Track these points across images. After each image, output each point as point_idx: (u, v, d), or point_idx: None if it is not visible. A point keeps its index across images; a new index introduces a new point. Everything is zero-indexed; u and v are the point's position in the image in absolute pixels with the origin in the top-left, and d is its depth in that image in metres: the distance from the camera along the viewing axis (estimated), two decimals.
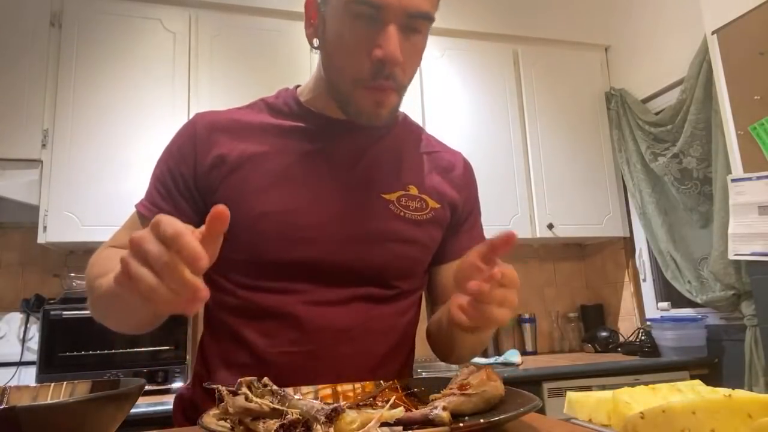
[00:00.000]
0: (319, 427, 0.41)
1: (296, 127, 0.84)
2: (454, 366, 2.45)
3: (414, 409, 0.52)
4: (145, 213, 0.80)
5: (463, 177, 0.92)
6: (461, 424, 0.47)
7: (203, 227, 0.49)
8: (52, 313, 1.87)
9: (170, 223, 0.47)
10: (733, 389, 0.56)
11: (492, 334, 0.91)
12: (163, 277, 0.46)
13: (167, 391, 1.87)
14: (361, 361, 0.79)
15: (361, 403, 0.57)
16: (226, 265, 0.77)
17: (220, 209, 0.47)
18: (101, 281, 0.69)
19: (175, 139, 0.84)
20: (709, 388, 0.63)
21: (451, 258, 0.88)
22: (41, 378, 1.82)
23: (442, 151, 0.93)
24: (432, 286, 0.92)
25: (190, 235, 0.46)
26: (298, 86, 0.91)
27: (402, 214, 0.82)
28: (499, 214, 2.50)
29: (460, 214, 0.90)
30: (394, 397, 0.60)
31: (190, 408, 0.85)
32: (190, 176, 0.80)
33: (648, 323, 2.48)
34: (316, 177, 0.80)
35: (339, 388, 0.65)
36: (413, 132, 0.93)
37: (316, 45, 0.81)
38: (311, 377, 0.73)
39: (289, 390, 0.52)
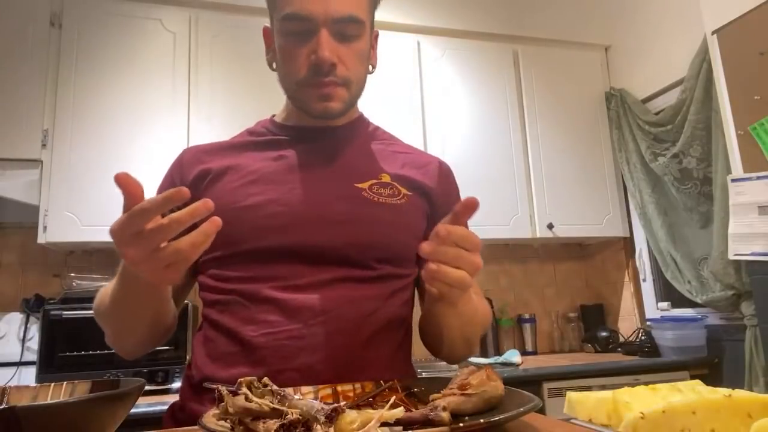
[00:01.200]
0: (319, 427, 0.41)
1: (272, 140, 0.92)
2: (454, 366, 2.45)
3: (414, 409, 0.52)
4: None
5: (439, 171, 0.95)
6: (461, 424, 0.47)
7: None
8: (52, 313, 1.87)
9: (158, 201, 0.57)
10: (733, 389, 0.56)
11: (486, 328, 0.89)
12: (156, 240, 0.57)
13: (167, 391, 1.87)
14: (345, 340, 0.79)
15: (361, 403, 0.57)
16: (207, 264, 0.85)
17: (206, 202, 0.57)
18: (105, 299, 0.81)
19: (167, 172, 0.96)
20: (709, 388, 0.63)
21: None
22: (41, 378, 1.82)
23: (416, 153, 0.98)
24: (420, 282, 0.94)
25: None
26: (275, 115, 1.00)
27: (375, 199, 0.86)
28: (499, 214, 2.50)
29: (438, 206, 0.91)
30: (394, 397, 0.60)
31: (178, 410, 0.87)
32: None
33: (648, 323, 2.48)
34: (291, 174, 0.87)
35: (339, 388, 0.65)
36: (386, 138, 0.99)
37: (274, 67, 0.92)
38: (299, 356, 0.76)
39: (289, 390, 0.52)
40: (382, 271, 0.85)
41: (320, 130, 0.91)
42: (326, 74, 0.81)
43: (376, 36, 0.95)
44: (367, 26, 0.86)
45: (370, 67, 0.93)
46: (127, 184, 0.59)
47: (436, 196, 0.92)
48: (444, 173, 0.97)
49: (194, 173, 0.90)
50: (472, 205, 0.63)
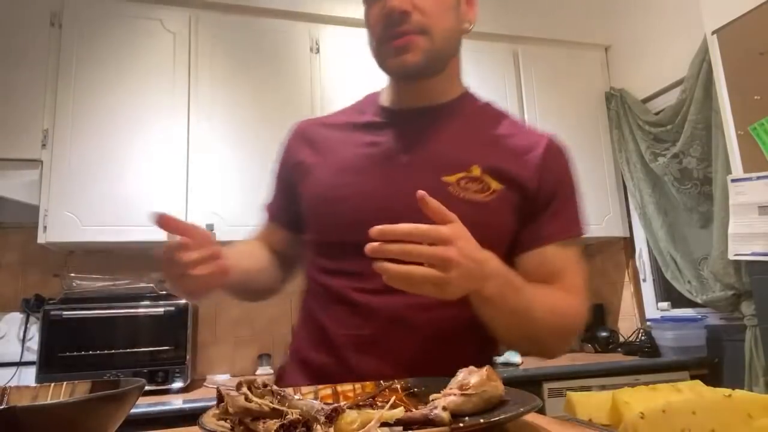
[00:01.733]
0: (319, 427, 0.41)
1: (370, 122, 0.90)
2: None
3: (414, 409, 0.52)
4: (263, 214, 1.02)
5: (543, 158, 0.84)
6: (461, 424, 0.47)
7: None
8: (52, 313, 1.87)
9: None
10: (733, 389, 0.56)
11: (564, 326, 0.79)
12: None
13: (167, 391, 1.87)
14: (419, 347, 0.78)
15: (361, 403, 0.57)
16: (306, 247, 0.92)
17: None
18: None
19: (282, 150, 1.00)
20: (709, 388, 0.63)
21: (530, 246, 0.82)
22: (41, 378, 1.82)
23: (521, 134, 0.87)
24: None
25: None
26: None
27: (461, 195, 0.80)
28: None
29: (537, 197, 0.82)
30: (394, 397, 0.60)
31: (279, 382, 0.92)
32: (284, 174, 0.98)
33: (648, 323, 2.48)
34: (379, 164, 0.84)
35: (339, 388, 0.65)
36: (492, 117, 0.90)
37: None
38: (373, 360, 0.78)
39: (289, 390, 0.52)
40: None
41: (419, 111, 0.86)
42: (398, 23, 0.77)
43: None
44: None
45: (468, 24, 0.88)
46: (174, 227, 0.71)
47: (537, 186, 0.82)
48: (549, 156, 0.84)
49: (291, 163, 0.95)
50: (421, 201, 0.61)
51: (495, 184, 0.81)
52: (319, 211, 0.86)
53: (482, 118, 0.89)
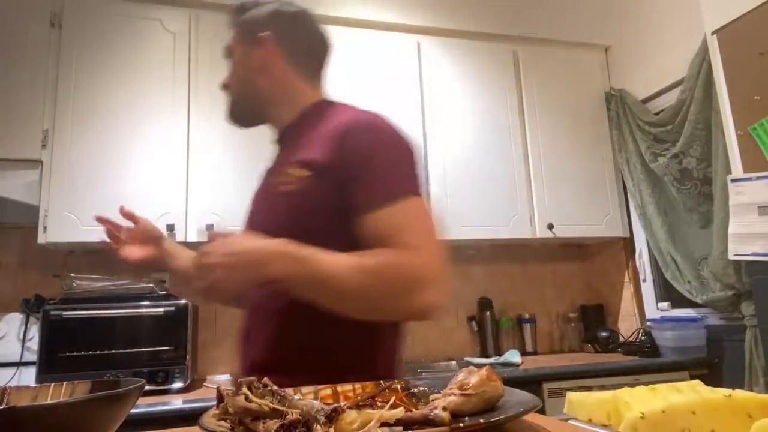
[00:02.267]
0: (319, 427, 0.41)
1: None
2: (453, 365, 2.45)
3: (414, 409, 0.52)
4: None
5: (342, 139, 0.90)
6: (461, 424, 0.47)
7: None
8: (52, 313, 1.87)
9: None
10: (733, 389, 0.56)
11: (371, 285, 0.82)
12: None
13: (167, 391, 1.87)
14: (281, 330, 0.91)
15: (361, 403, 0.57)
16: None
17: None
18: None
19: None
20: (709, 388, 0.63)
21: (356, 215, 0.87)
22: (41, 378, 1.82)
23: (332, 122, 0.94)
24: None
25: None
26: None
27: (277, 191, 0.95)
28: (499, 214, 2.50)
29: (344, 173, 0.88)
30: (394, 397, 0.60)
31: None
32: None
33: (648, 323, 2.48)
34: (264, 177, 1.09)
35: (339, 388, 0.65)
36: (322, 116, 1.00)
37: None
38: (249, 346, 0.96)
39: (289, 390, 0.52)
40: None
41: (278, 139, 1.08)
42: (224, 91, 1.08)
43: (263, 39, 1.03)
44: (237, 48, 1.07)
45: (261, 70, 1.04)
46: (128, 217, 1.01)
47: (338, 165, 0.88)
48: (350, 136, 0.90)
49: None
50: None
51: (299, 173, 0.91)
52: None
53: (313, 122, 1.00)
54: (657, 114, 2.51)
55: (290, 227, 0.87)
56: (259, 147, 2.23)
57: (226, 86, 1.07)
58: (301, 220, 0.89)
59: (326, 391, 0.64)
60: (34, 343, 2.02)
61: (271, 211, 0.96)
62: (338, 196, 0.88)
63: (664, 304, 2.56)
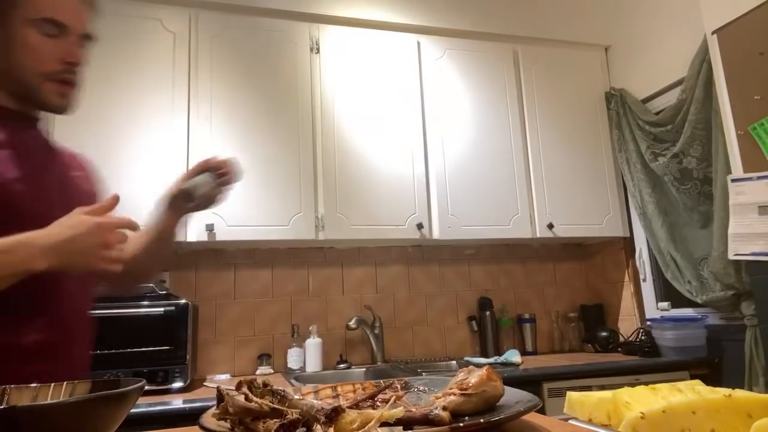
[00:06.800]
0: (319, 427, 0.41)
1: None
2: (453, 365, 2.45)
3: (414, 409, 0.52)
4: None
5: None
6: (461, 424, 0.47)
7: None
8: None
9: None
10: (733, 389, 0.56)
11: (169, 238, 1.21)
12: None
13: (167, 391, 1.87)
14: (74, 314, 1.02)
15: (361, 403, 0.57)
16: None
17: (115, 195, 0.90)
18: None
19: None
20: (709, 388, 0.63)
21: None
22: None
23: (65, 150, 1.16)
24: None
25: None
26: None
27: (83, 185, 1.10)
28: (499, 214, 2.50)
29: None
30: (394, 397, 0.60)
31: None
32: None
33: (648, 323, 2.48)
34: (26, 158, 0.98)
35: (339, 388, 0.65)
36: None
37: None
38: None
39: (289, 390, 0.52)
40: None
41: (29, 117, 1.04)
42: (72, 73, 1.00)
43: None
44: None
45: None
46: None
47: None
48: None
49: None
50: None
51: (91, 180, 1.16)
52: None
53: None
54: (657, 114, 2.51)
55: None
56: (258, 147, 2.24)
57: (81, 74, 1.07)
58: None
59: (326, 391, 0.64)
60: None
61: (85, 200, 1.04)
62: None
63: (664, 304, 2.56)
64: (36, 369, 0.90)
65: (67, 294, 0.98)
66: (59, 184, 1.02)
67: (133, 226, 0.89)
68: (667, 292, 2.57)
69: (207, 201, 1.15)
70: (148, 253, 1.17)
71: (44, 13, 0.96)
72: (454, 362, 2.49)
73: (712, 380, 2.17)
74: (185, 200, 1.14)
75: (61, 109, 1.02)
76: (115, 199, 0.85)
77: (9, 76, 0.99)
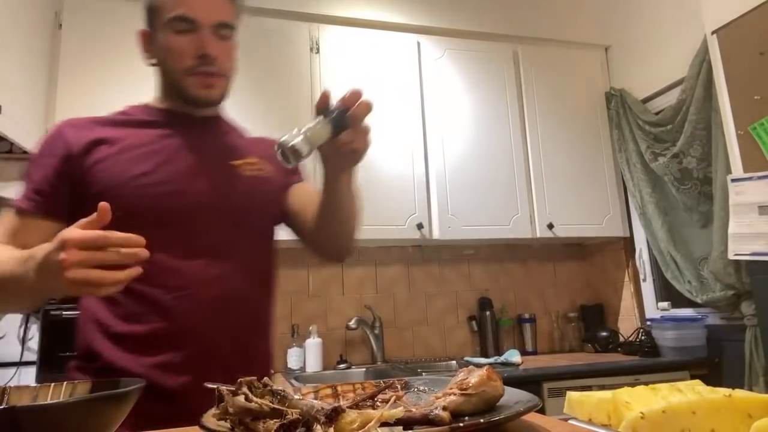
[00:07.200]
0: (319, 427, 0.41)
1: (150, 120, 1.06)
2: (453, 365, 2.45)
3: (414, 409, 0.52)
4: (26, 207, 0.97)
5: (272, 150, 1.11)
6: (461, 424, 0.47)
7: (94, 216, 0.68)
8: (52, 313, 1.86)
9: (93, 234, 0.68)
10: (733, 389, 0.56)
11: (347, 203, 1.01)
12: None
13: None
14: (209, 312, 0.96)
15: (361, 403, 0.57)
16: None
17: (103, 206, 0.68)
18: None
19: (42, 144, 1.01)
20: (709, 388, 0.63)
21: (292, 201, 1.13)
22: (41, 378, 1.82)
23: (241, 132, 1.19)
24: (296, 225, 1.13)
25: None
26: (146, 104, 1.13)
27: (248, 172, 1.06)
28: (499, 214, 2.50)
29: (296, 171, 1.16)
30: (394, 397, 0.60)
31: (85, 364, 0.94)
32: (65, 164, 0.97)
33: (648, 323, 2.48)
34: (175, 153, 1.01)
35: (339, 388, 0.65)
36: (236, 127, 1.18)
37: (153, 62, 1.07)
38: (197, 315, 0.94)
39: (289, 390, 0.52)
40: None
41: (197, 118, 1.07)
42: (210, 64, 1.00)
43: None
44: (235, 31, 1.07)
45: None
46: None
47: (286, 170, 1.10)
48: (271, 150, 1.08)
49: (84, 143, 0.97)
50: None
51: (267, 166, 1.09)
52: (133, 189, 0.94)
53: (231, 126, 1.17)
54: (657, 114, 2.51)
55: (252, 209, 1.05)
56: None
57: (224, 63, 1.03)
58: (265, 193, 1.07)
59: (326, 391, 0.64)
60: (34, 343, 2.02)
61: (233, 191, 1.02)
62: (286, 180, 1.13)
63: (664, 304, 2.56)
64: (161, 359, 0.90)
65: (193, 279, 0.94)
66: (223, 176, 1.02)
67: (109, 243, 0.68)
68: (667, 292, 2.57)
69: (343, 150, 0.85)
70: (324, 221, 1.03)
71: (174, 12, 0.99)
72: (454, 362, 2.49)
73: (712, 380, 2.16)
74: (304, 158, 0.79)
75: (209, 101, 1.04)
76: (104, 211, 0.67)
77: (166, 80, 1.05)
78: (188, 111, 1.06)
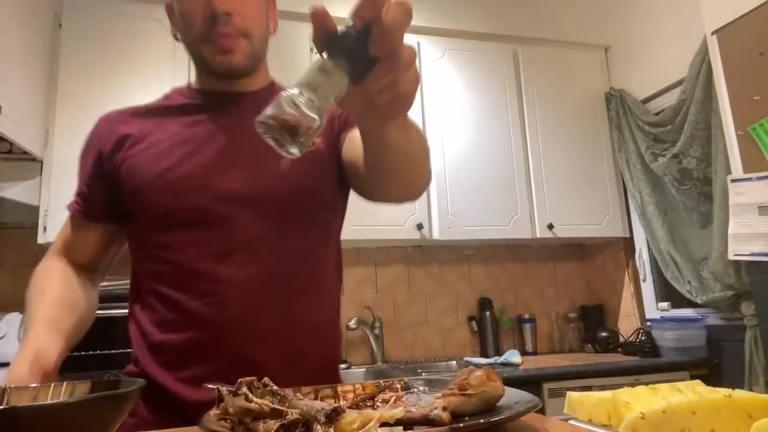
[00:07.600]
0: (319, 427, 0.41)
1: (187, 104, 0.95)
2: (453, 365, 2.45)
3: (414, 410, 0.52)
4: (73, 211, 0.98)
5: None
6: (461, 424, 0.47)
7: None
8: None
9: None
10: (733, 389, 0.56)
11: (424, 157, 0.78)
12: None
13: None
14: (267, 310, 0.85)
15: (361, 403, 0.57)
16: (133, 229, 0.93)
17: None
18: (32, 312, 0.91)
19: (85, 141, 0.99)
20: (709, 388, 0.63)
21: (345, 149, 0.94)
22: None
23: None
24: (350, 171, 0.93)
25: None
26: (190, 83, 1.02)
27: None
28: (499, 214, 2.50)
29: (337, 131, 0.96)
30: (394, 397, 0.60)
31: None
32: (98, 163, 0.94)
33: (648, 323, 2.48)
34: (208, 139, 0.89)
35: (339, 388, 0.65)
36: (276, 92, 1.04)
37: (178, 37, 0.96)
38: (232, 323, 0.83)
39: (289, 390, 0.52)
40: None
41: (235, 95, 0.93)
42: (222, 23, 0.84)
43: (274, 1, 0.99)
44: None
45: (272, 28, 0.97)
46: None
47: (335, 127, 0.96)
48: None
49: (113, 140, 0.93)
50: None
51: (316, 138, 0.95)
52: (156, 183, 0.86)
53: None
54: (657, 114, 2.51)
55: (298, 194, 0.89)
56: None
57: (242, 20, 0.86)
58: (312, 166, 0.90)
59: (326, 391, 0.64)
60: None
61: (272, 178, 0.87)
62: (336, 146, 0.94)
63: (664, 304, 2.56)
64: (191, 373, 0.82)
65: (224, 283, 0.83)
66: (259, 162, 0.86)
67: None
68: (667, 292, 2.57)
69: (380, 100, 0.51)
70: (381, 175, 0.76)
71: None
72: (454, 362, 2.48)
73: (712, 380, 2.17)
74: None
75: (232, 69, 0.88)
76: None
77: (191, 54, 0.93)
78: (223, 88, 0.93)
